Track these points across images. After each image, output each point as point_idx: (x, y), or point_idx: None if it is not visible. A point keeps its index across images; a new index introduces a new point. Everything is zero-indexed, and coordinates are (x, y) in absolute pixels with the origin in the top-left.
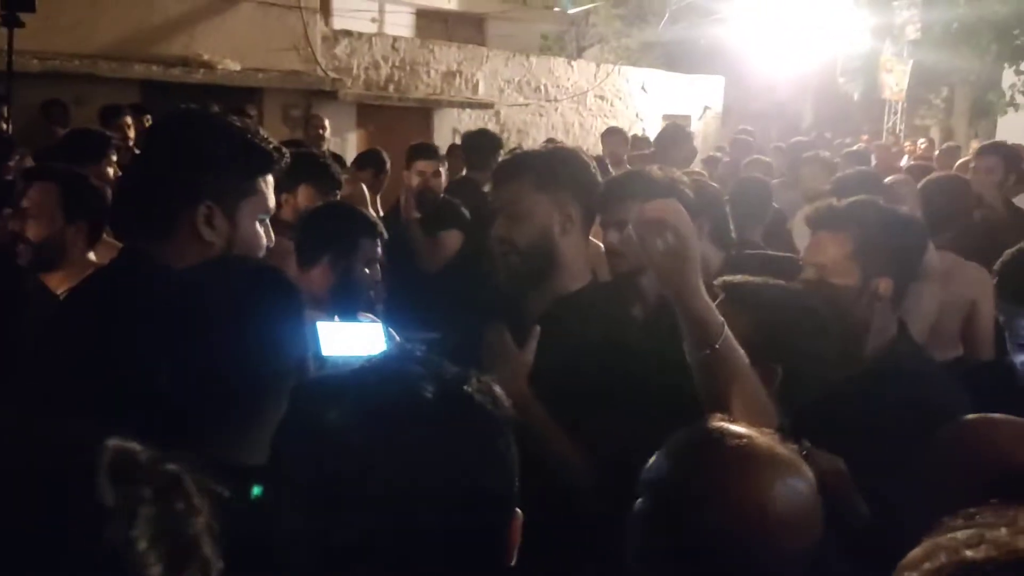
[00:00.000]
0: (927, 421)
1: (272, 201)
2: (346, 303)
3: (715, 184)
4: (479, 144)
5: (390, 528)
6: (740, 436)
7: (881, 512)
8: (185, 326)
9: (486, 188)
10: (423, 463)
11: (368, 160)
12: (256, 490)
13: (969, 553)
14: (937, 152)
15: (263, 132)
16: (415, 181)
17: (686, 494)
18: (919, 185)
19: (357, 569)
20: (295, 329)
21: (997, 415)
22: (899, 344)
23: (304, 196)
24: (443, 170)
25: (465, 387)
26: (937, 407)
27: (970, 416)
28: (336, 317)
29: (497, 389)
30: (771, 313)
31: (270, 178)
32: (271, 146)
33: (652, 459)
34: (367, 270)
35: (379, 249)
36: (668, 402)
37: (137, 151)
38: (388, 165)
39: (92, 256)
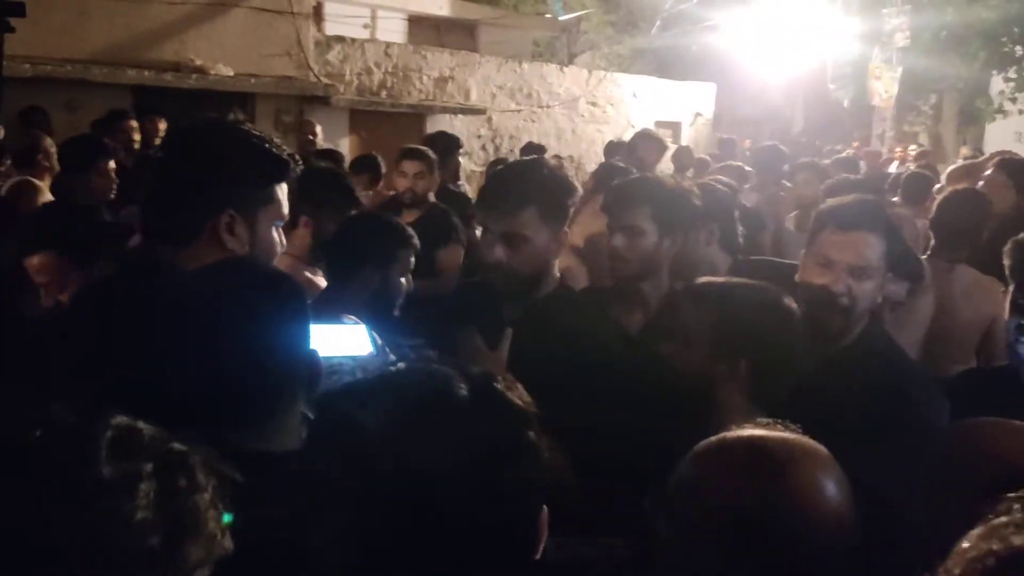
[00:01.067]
0: (899, 402)
1: (286, 208)
2: (383, 314)
3: (726, 188)
4: (434, 144)
5: (431, 525)
6: (783, 441)
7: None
8: (191, 326)
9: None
10: (463, 460)
11: (364, 165)
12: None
13: (1017, 540)
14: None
15: (277, 139)
16: (401, 183)
17: (767, 514)
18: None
19: (397, 563)
20: (301, 330)
21: (1003, 419)
22: (871, 331)
23: (328, 218)
24: (427, 170)
25: (495, 384)
26: (907, 389)
27: (977, 418)
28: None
29: (519, 387)
30: (735, 309)
31: (284, 185)
32: (287, 154)
33: (690, 486)
34: (403, 280)
35: (413, 260)
36: (642, 404)
37: (140, 153)
38: (383, 170)
39: None
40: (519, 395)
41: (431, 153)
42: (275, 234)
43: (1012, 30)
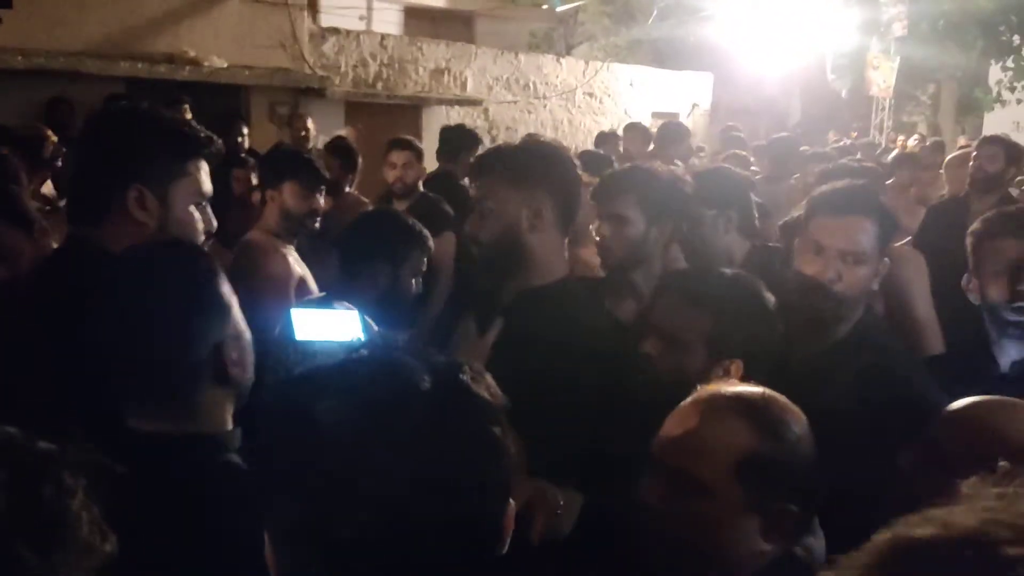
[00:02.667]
0: (894, 389)
1: (208, 186)
2: (393, 313)
3: (745, 172)
4: (449, 138)
5: (388, 520)
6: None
7: (853, 482)
8: (85, 308)
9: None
10: (421, 454)
11: (335, 149)
12: None
13: (915, 531)
14: (920, 148)
15: (192, 123)
16: (390, 174)
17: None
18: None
19: (357, 560)
20: (205, 311)
21: (1003, 397)
22: (866, 320)
23: (289, 193)
24: (415, 159)
25: (460, 375)
26: (903, 377)
27: (978, 397)
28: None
29: (489, 377)
30: (732, 311)
31: (203, 163)
32: (200, 133)
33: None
34: (413, 282)
35: (425, 262)
36: (620, 400)
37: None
38: (359, 160)
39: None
40: (487, 387)
41: (417, 143)
42: (193, 210)
43: (1010, 19)
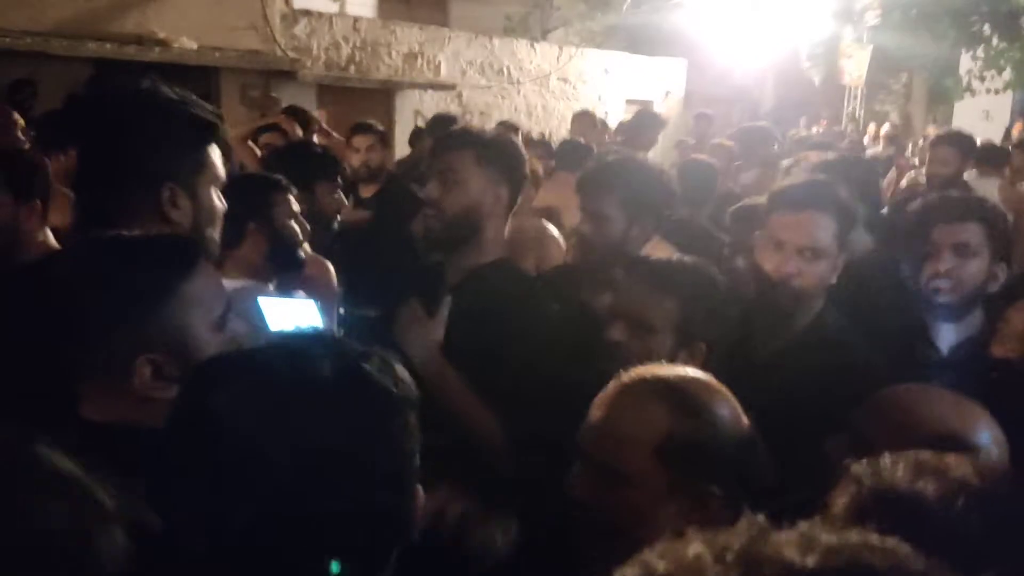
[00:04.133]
0: (854, 385)
1: (222, 169)
2: (286, 264)
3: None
4: (435, 128)
5: (281, 511)
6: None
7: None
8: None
9: None
10: (313, 443)
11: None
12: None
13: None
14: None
15: (199, 101)
16: (354, 158)
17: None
18: None
19: (251, 552)
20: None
21: (924, 385)
22: (825, 315)
23: (322, 193)
24: (377, 142)
25: (364, 365)
26: (862, 372)
27: (901, 386)
28: (272, 285)
29: (399, 368)
30: (696, 294)
31: (216, 147)
32: (211, 112)
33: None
34: (291, 222)
35: (294, 203)
36: (568, 383)
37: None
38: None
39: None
40: (396, 376)
41: (380, 126)
42: (216, 198)
43: (981, 9)
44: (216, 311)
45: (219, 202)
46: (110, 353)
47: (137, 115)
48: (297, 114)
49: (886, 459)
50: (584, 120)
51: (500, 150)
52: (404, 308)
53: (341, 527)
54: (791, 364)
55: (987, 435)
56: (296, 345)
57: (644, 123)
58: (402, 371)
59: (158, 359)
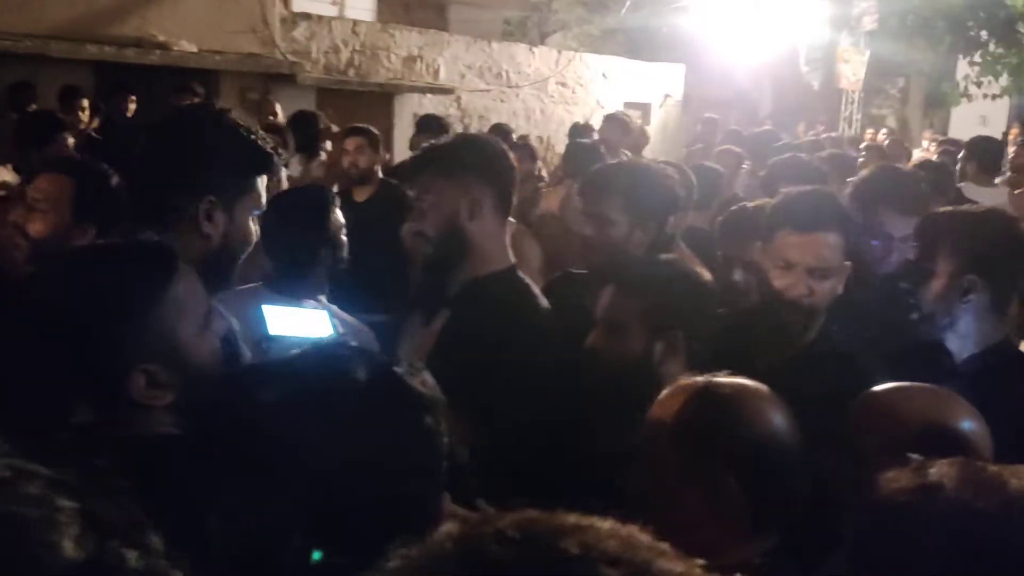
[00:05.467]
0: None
1: (264, 198)
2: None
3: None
4: (428, 125)
5: (323, 501)
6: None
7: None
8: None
9: None
10: (352, 437)
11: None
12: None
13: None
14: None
15: (261, 132)
16: (345, 160)
17: None
18: None
19: (293, 541)
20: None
21: (908, 383)
22: (828, 328)
23: None
24: (368, 145)
25: (395, 369)
26: (867, 384)
27: (878, 387)
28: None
29: (425, 373)
30: (659, 285)
31: (265, 177)
32: (271, 147)
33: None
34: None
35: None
36: (572, 392)
37: (93, 134)
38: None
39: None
40: (422, 380)
41: (373, 130)
42: (251, 223)
43: (978, 14)
44: (200, 311)
45: (254, 229)
46: (103, 367)
47: (201, 129)
48: (307, 120)
49: None
50: (614, 124)
51: (462, 154)
52: (408, 321)
53: (371, 513)
54: (797, 375)
55: (969, 423)
56: (329, 352)
57: (580, 154)
58: (428, 376)
59: (151, 368)
